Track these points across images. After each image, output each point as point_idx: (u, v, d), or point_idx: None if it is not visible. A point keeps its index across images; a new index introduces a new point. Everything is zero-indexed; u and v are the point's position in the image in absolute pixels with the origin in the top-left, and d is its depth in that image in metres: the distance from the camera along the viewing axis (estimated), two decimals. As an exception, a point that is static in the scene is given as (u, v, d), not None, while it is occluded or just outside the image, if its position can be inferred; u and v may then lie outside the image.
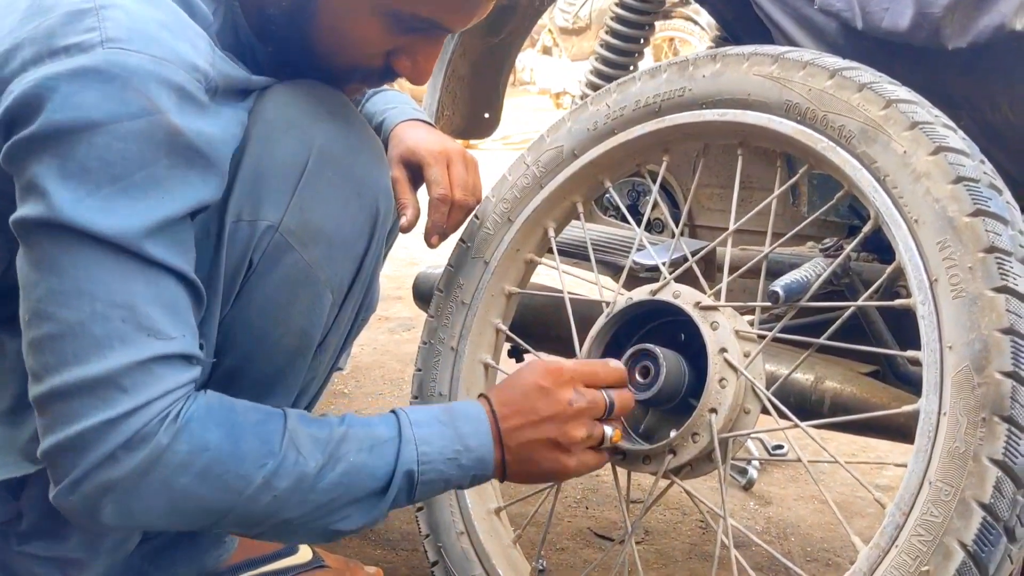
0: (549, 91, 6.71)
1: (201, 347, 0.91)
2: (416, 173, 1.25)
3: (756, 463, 1.87)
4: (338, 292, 1.02)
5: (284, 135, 0.96)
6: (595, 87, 1.56)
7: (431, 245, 1.24)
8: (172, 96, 0.85)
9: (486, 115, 1.92)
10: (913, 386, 1.25)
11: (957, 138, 1.00)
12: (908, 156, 0.99)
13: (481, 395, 1.02)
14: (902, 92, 1.04)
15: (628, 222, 1.36)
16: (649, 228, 1.65)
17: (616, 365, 1.04)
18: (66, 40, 0.83)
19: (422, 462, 0.94)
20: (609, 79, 1.56)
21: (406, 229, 1.23)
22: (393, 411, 0.97)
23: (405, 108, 1.32)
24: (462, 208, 1.25)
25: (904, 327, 1.15)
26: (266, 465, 0.87)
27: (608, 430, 1.01)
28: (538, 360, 1.02)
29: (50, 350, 0.83)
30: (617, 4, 1.53)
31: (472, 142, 3.20)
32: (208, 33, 0.93)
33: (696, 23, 5.32)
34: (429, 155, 1.24)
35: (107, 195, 0.83)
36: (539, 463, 0.98)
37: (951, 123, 1.01)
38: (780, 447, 1.94)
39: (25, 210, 0.84)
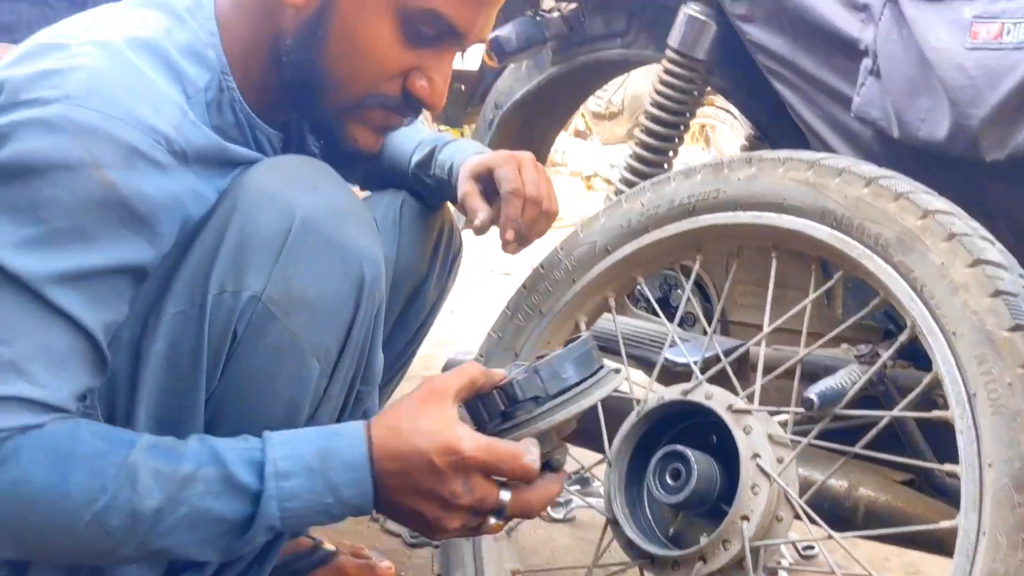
0: (581, 173, 6.78)
1: (85, 398, 0.90)
2: (489, 186, 1.26)
3: (785, 572, 1.83)
4: (325, 361, 1.00)
5: (267, 205, 0.96)
6: (635, 173, 1.58)
7: (508, 248, 1.22)
8: (119, 152, 0.87)
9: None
10: (950, 498, 1.22)
11: (995, 251, 0.99)
12: (945, 267, 0.99)
13: (368, 425, 0.91)
14: (939, 203, 1.04)
15: (659, 316, 1.36)
16: (681, 322, 1.65)
17: (529, 460, 0.89)
18: (30, 94, 0.87)
19: (286, 517, 0.88)
20: (648, 166, 1.58)
21: (479, 230, 1.23)
22: (261, 448, 0.89)
23: (472, 147, 1.33)
24: (535, 204, 1.23)
25: (942, 435, 1.13)
26: (95, 501, 0.85)
27: (491, 520, 0.92)
28: (442, 419, 0.89)
29: None
30: (655, 95, 1.56)
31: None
32: (195, 100, 0.96)
33: (729, 112, 5.39)
34: (497, 158, 1.26)
35: (28, 236, 0.85)
36: (409, 523, 0.94)
37: (989, 235, 1.01)
38: (811, 547, 1.90)
39: None
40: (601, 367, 0.94)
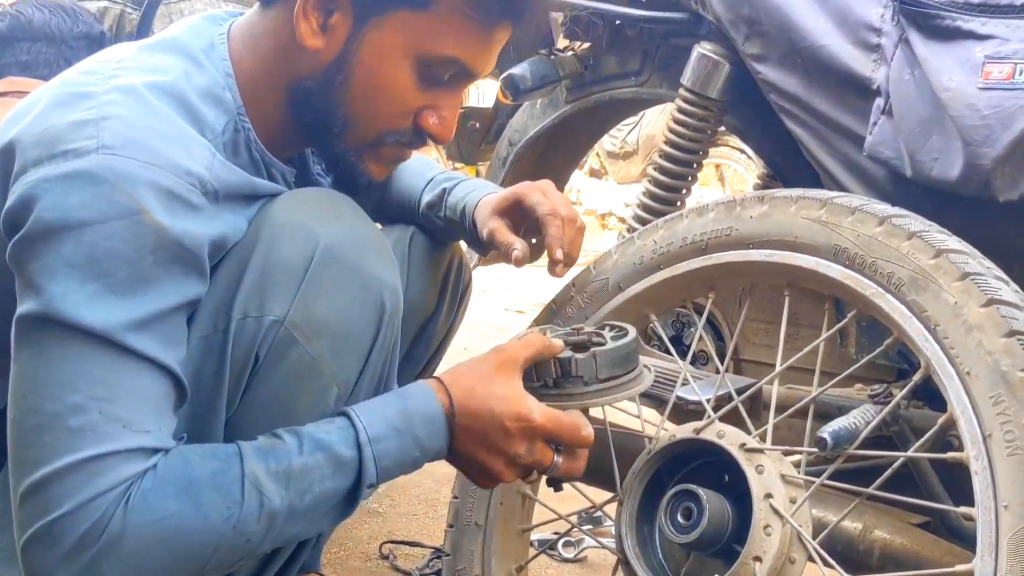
0: (595, 212, 6.81)
1: (183, 439, 0.94)
2: (513, 221, 1.26)
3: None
4: (344, 387, 1.02)
5: (291, 234, 0.99)
6: (648, 211, 1.58)
7: (558, 269, 1.22)
8: (160, 198, 0.89)
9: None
10: (967, 541, 1.20)
11: (1010, 291, 0.99)
12: (959, 307, 0.98)
13: (443, 385, 1.00)
14: (952, 242, 1.04)
15: (672, 354, 1.36)
16: (694, 360, 1.64)
17: (587, 432, 1.02)
18: (66, 146, 0.89)
19: (383, 473, 0.97)
20: (662, 204, 1.58)
21: (520, 261, 1.23)
22: (349, 418, 0.97)
23: (484, 187, 1.33)
24: (572, 222, 1.24)
25: (957, 477, 1.12)
26: (232, 515, 0.90)
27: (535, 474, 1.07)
28: (513, 387, 1.00)
29: (32, 445, 0.87)
30: (668, 134, 1.57)
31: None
32: (214, 144, 0.98)
33: (743, 152, 5.41)
34: (522, 187, 1.26)
35: (94, 290, 0.87)
36: (471, 471, 1.04)
37: (1003, 275, 1.01)
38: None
39: (21, 306, 0.89)
40: (639, 365, 1.07)
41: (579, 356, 1.03)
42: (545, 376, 1.04)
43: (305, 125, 1.05)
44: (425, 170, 1.37)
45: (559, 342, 1.05)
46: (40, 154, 0.89)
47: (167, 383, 0.91)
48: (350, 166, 1.08)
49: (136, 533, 0.86)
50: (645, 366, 1.09)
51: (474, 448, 1.00)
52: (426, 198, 1.34)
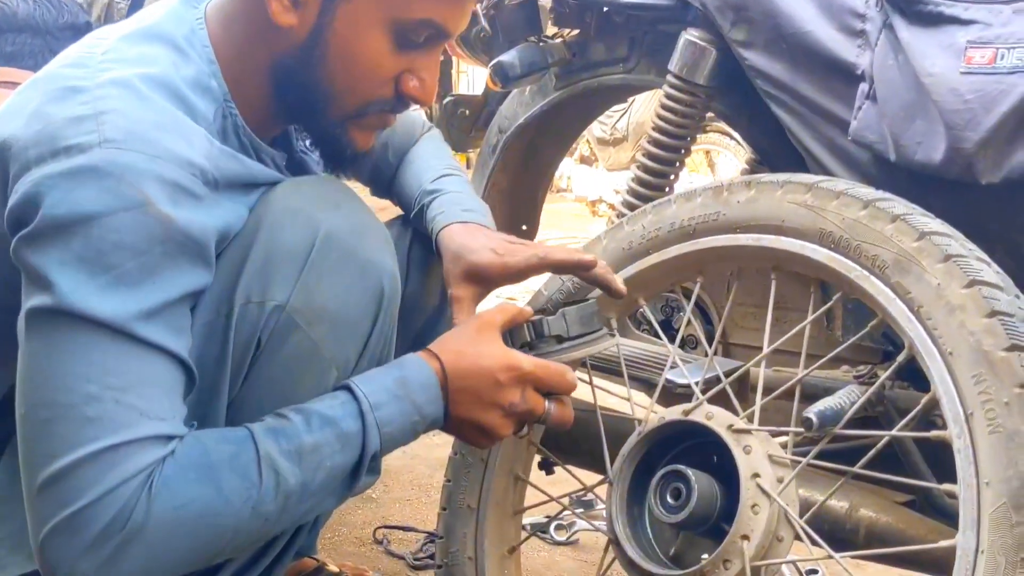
0: (585, 199, 6.82)
1: (193, 425, 0.95)
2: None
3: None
4: (343, 371, 1.04)
5: (292, 221, 1.01)
6: (637, 197, 1.59)
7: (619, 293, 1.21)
8: (165, 189, 0.90)
9: (524, 227, 1.97)
10: (950, 518, 1.22)
11: (991, 272, 1.00)
12: (942, 288, 1.00)
13: (432, 353, 1.03)
14: (935, 224, 1.06)
15: (661, 338, 1.37)
16: (683, 344, 1.66)
17: (572, 376, 1.07)
18: (67, 142, 0.89)
19: (385, 441, 0.99)
20: (650, 189, 1.59)
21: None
22: (351, 391, 0.99)
23: (454, 206, 1.27)
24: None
25: (942, 456, 1.14)
26: (252, 497, 0.92)
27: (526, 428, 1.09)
28: (497, 344, 1.05)
29: (44, 438, 0.87)
30: (656, 120, 1.58)
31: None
32: (208, 132, 0.99)
33: (732, 137, 5.42)
34: (498, 277, 1.19)
35: (103, 282, 0.88)
36: (469, 433, 1.07)
37: (985, 257, 1.03)
38: (814, 572, 1.89)
39: (29, 301, 0.89)
40: (603, 328, 1.14)
41: (549, 317, 1.10)
42: (520, 340, 1.09)
43: (288, 103, 1.06)
44: (425, 169, 1.35)
45: (528, 308, 1.13)
46: (42, 152, 0.90)
47: (178, 371, 0.92)
48: (335, 139, 1.08)
49: (161, 519, 0.88)
50: (608, 332, 1.16)
51: (470, 407, 1.03)
52: (416, 207, 1.32)
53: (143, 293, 0.89)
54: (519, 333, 1.09)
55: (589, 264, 1.18)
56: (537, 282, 1.35)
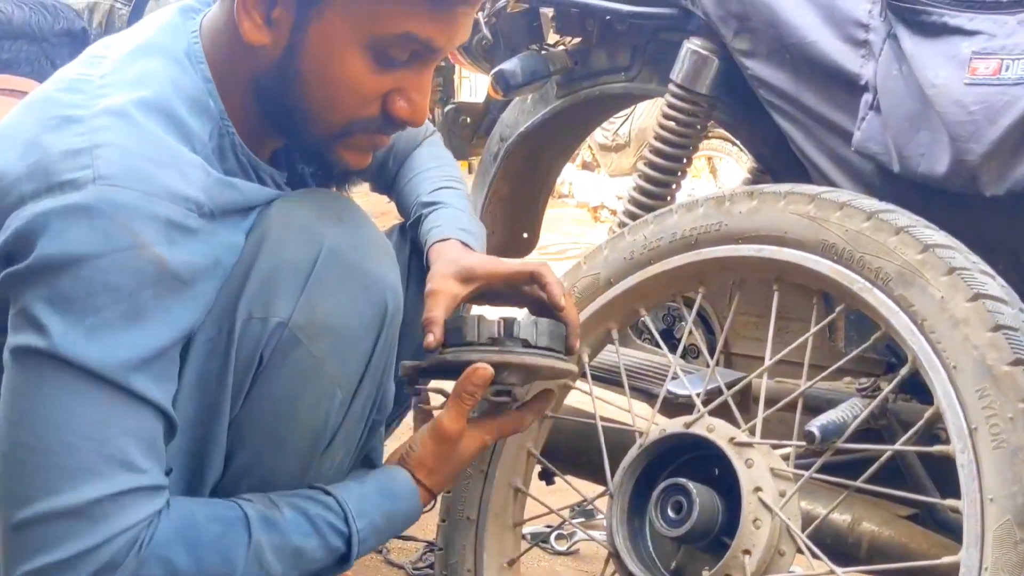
0: (587, 204, 6.81)
1: (169, 472, 0.96)
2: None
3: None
4: (346, 388, 1.03)
5: (294, 236, 0.99)
6: (638, 206, 1.59)
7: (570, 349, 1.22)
8: (158, 228, 0.89)
9: (525, 235, 1.96)
10: (954, 532, 1.21)
11: (996, 285, 1.00)
12: (946, 301, 0.99)
13: (419, 482, 1.10)
14: (939, 237, 1.05)
15: (662, 348, 1.37)
16: (684, 354, 1.65)
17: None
18: (61, 177, 0.88)
19: (361, 555, 1.05)
20: (651, 199, 1.58)
21: (427, 346, 1.11)
22: (345, 518, 1.03)
23: (451, 222, 1.26)
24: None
25: (944, 469, 1.13)
26: None
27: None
28: (463, 443, 1.11)
29: (22, 479, 0.87)
30: (658, 129, 1.57)
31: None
32: (204, 153, 0.97)
33: (734, 143, 5.41)
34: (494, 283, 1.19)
35: (91, 325, 0.87)
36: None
37: (989, 270, 1.02)
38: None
39: (16, 338, 0.88)
40: (573, 358, 1.18)
41: (522, 320, 1.11)
42: (487, 335, 1.09)
43: (272, 122, 1.04)
44: (424, 179, 1.33)
45: (481, 366, 1.07)
46: (37, 187, 0.89)
47: (160, 422, 0.92)
48: (322, 157, 1.06)
49: None
50: (575, 365, 1.19)
51: (449, 476, 1.14)
52: (413, 217, 1.31)
53: (131, 339, 0.89)
54: (488, 327, 1.08)
55: (561, 307, 1.16)
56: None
